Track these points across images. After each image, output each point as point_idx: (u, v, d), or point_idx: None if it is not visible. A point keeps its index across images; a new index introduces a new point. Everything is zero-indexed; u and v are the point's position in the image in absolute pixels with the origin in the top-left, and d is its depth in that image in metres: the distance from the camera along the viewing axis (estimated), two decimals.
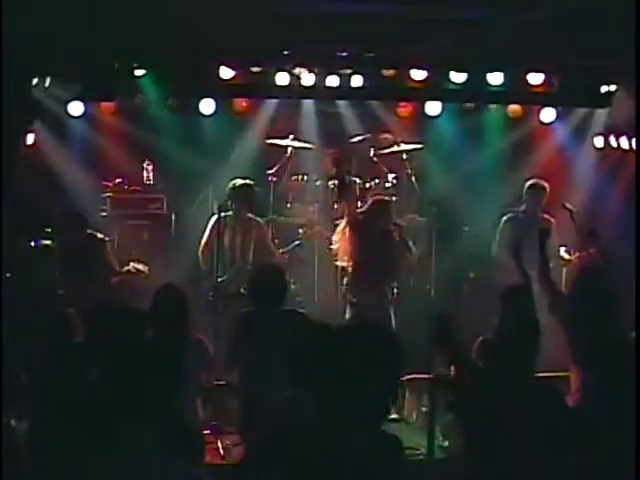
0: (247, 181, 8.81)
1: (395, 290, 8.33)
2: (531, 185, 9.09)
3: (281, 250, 9.28)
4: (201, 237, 8.77)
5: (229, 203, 8.71)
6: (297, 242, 9.50)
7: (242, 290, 8.06)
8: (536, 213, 9.05)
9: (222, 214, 8.44)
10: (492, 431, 4.40)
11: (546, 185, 9.04)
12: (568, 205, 8.94)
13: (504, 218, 9.20)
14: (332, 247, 8.42)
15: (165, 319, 5.76)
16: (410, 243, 8.30)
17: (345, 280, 8.25)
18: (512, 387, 4.60)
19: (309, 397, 2.85)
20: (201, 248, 8.74)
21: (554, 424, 4.39)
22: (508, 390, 4.59)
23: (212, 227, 8.64)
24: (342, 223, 8.30)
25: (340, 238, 8.22)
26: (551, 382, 5.45)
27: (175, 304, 5.96)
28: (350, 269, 8.15)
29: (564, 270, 8.98)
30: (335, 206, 9.80)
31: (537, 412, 4.49)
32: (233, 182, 8.77)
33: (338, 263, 8.43)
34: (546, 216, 9.09)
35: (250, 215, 8.83)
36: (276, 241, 9.52)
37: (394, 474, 2.78)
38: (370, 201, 8.42)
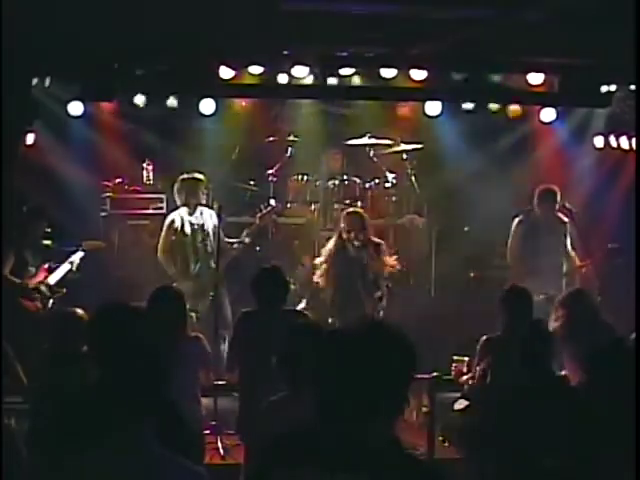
0: (192, 175, 8.85)
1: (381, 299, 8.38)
2: (542, 191, 8.96)
3: (234, 239, 9.31)
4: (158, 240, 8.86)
5: (179, 199, 8.87)
6: (248, 231, 9.49)
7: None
8: (549, 217, 8.92)
9: (177, 212, 8.78)
10: (506, 429, 4.42)
11: (557, 190, 8.87)
12: (568, 205, 8.93)
13: (516, 219, 9.09)
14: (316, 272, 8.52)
15: (163, 319, 5.77)
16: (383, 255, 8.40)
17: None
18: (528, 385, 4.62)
19: (309, 398, 2.85)
20: (160, 251, 8.80)
21: (567, 419, 4.40)
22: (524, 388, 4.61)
23: (169, 227, 8.79)
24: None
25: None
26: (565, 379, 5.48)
27: (173, 304, 5.98)
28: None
29: (564, 278, 8.97)
30: (335, 206, 9.82)
31: (552, 408, 4.51)
32: (179, 178, 8.89)
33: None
34: (560, 215, 8.99)
35: (202, 208, 8.85)
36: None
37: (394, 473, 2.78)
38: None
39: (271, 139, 10.12)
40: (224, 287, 8.65)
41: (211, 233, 8.66)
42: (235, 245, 8.91)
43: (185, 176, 8.87)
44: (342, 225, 8.38)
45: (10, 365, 5.47)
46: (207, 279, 8.58)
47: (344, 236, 8.28)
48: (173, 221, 8.83)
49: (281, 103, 10.31)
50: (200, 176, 8.89)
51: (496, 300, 6.47)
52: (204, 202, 8.87)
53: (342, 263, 8.25)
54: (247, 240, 8.97)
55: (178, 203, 8.86)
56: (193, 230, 8.81)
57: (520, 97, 9.62)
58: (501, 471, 4.44)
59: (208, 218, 8.80)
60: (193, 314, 8.46)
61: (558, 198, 8.86)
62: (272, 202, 9.63)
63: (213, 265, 8.42)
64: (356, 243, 8.21)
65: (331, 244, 8.43)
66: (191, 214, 8.83)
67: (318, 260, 8.51)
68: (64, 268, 8.61)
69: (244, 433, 6.06)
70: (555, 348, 4.79)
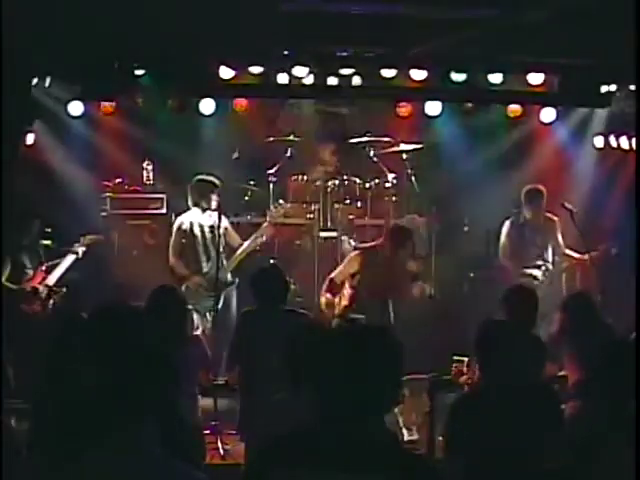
0: (209, 177, 8.83)
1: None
2: (528, 191, 9.02)
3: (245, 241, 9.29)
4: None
5: (191, 199, 8.83)
6: (262, 233, 9.47)
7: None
8: (537, 217, 9.00)
9: (187, 214, 8.75)
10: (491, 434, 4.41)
11: (543, 189, 8.98)
12: (568, 205, 8.94)
13: (507, 222, 9.15)
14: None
15: (162, 319, 5.77)
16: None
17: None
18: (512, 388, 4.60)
19: (308, 397, 2.85)
20: (171, 255, 8.77)
21: (549, 425, 4.40)
22: (507, 391, 4.60)
23: (178, 229, 8.79)
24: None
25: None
26: (548, 383, 5.48)
27: (172, 304, 5.98)
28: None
29: (563, 275, 8.99)
30: (335, 206, 9.82)
31: (533, 412, 4.50)
32: (195, 177, 8.85)
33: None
34: (549, 215, 9.05)
35: (214, 209, 8.84)
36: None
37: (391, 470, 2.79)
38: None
39: (271, 139, 10.11)
40: (233, 288, 8.68)
41: (222, 234, 8.65)
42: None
43: (201, 177, 8.83)
44: (390, 238, 8.05)
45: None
46: (218, 279, 8.55)
47: (393, 250, 7.95)
48: (182, 223, 8.80)
49: (281, 103, 10.30)
50: (216, 180, 8.86)
51: (496, 300, 6.46)
52: (215, 206, 8.80)
53: (379, 272, 7.99)
54: (262, 241, 8.97)
55: (190, 203, 8.82)
56: (203, 231, 8.79)
57: (520, 97, 9.62)
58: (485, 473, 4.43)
59: (217, 219, 8.80)
60: (208, 313, 8.48)
61: (545, 197, 8.92)
62: (282, 203, 9.65)
63: (224, 265, 8.44)
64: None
65: (374, 256, 8.05)
66: (201, 215, 8.81)
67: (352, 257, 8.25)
68: (62, 268, 8.59)
69: (244, 433, 6.06)
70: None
